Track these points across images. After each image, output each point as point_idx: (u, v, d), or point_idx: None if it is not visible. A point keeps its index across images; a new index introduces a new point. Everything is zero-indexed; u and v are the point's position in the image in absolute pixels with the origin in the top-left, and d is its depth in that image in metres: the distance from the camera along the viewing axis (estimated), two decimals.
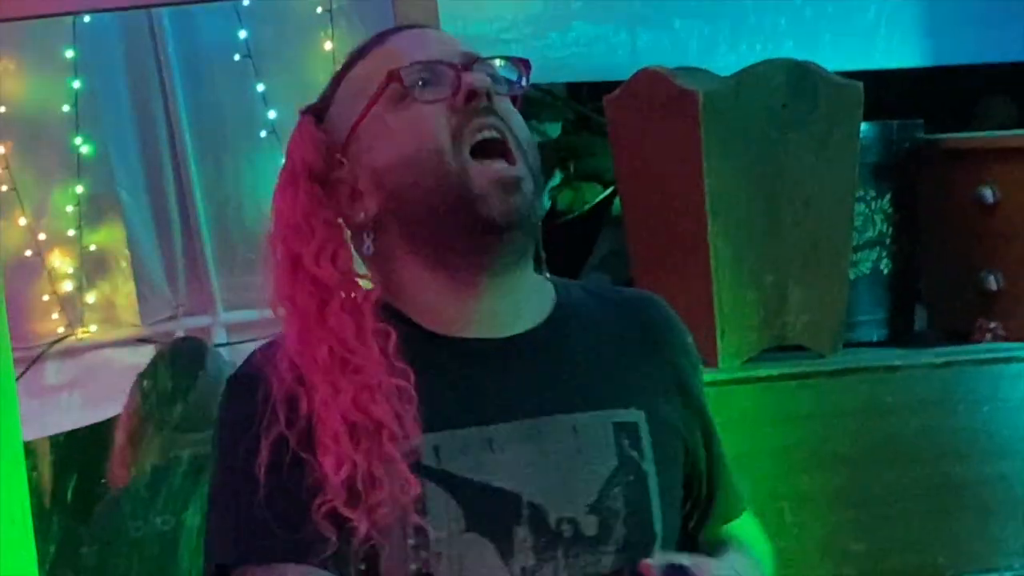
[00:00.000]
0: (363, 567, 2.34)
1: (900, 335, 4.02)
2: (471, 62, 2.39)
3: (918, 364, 3.78)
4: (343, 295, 2.43)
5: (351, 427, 2.34)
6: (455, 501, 2.38)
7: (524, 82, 2.49)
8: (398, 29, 2.57)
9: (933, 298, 4.15)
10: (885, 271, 4.00)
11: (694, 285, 3.67)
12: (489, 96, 2.34)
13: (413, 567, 2.32)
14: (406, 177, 2.39)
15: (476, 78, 2.35)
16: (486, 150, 2.34)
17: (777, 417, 3.64)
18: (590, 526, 2.42)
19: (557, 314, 2.57)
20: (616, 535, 2.43)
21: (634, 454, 2.49)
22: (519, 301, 2.50)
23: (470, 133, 2.33)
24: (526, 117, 4.44)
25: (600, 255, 4.61)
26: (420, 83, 2.37)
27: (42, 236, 4.81)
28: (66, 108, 4.61)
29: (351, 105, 2.46)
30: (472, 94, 2.33)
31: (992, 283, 3.89)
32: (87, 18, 4.39)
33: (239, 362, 3.89)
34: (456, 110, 2.34)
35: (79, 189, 4.81)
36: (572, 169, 4.82)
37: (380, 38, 2.52)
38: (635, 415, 2.51)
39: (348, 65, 2.53)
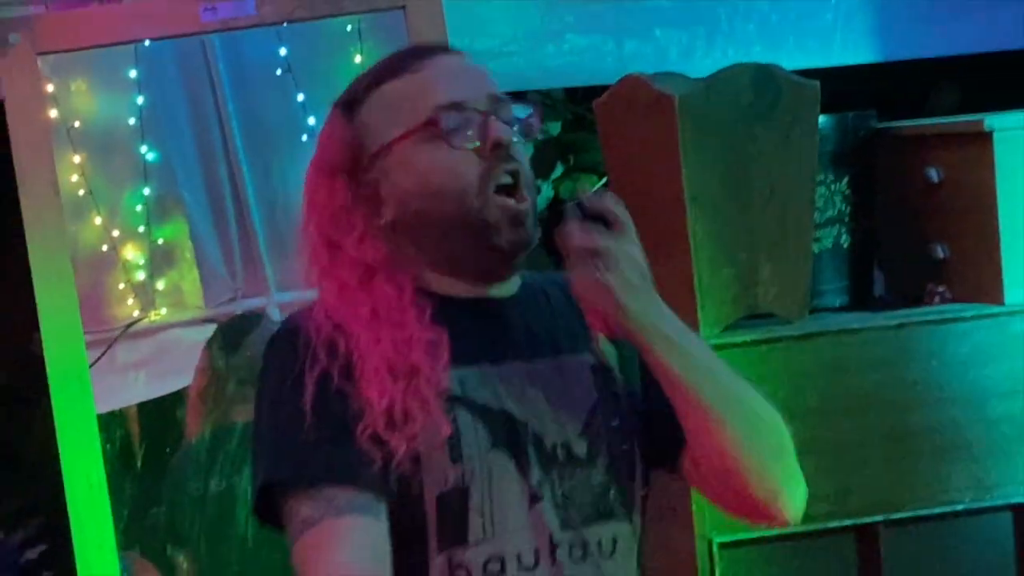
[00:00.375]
0: (398, 490, 2.37)
1: (859, 301, 4.03)
2: (495, 105, 2.42)
3: (875, 326, 3.84)
4: (386, 272, 2.45)
5: (391, 368, 2.38)
6: (481, 423, 2.43)
7: (535, 120, 2.52)
8: (431, 52, 2.53)
9: (888, 267, 4.16)
10: (845, 245, 4.01)
11: (676, 264, 3.69)
12: (509, 145, 2.38)
13: (451, 480, 2.38)
14: (430, 205, 2.43)
15: (501, 129, 2.38)
16: (500, 189, 2.39)
17: (751, 377, 3.62)
18: (580, 449, 2.47)
19: (525, 286, 2.60)
20: (602, 455, 2.47)
21: (608, 389, 2.54)
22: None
23: (493, 178, 2.37)
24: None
25: None
26: (453, 129, 2.39)
27: (115, 233, 4.80)
28: (132, 121, 4.59)
29: (383, 119, 2.48)
30: (497, 145, 2.37)
31: (939, 252, 3.92)
32: (147, 43, 4.42)
33: None
34: (483, 156, 2.38)
35: (146, 191, 4.79)
36: (571, 162, 4.83)
37: (414, 58, 2.50)
38: (605, 357, 2.56)
39: (381, 76, 2.51)
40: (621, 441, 2.49)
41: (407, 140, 2.43)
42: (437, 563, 2.41)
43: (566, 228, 2.36)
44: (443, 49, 2.54)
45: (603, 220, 2.36)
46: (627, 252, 2.35)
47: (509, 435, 2.44)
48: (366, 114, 2.49)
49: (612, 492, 2.49)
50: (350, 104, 2.52)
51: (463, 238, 2.43)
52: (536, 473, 2.44)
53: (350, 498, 2.33)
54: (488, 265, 2.45)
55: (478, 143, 2.39)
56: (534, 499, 2.44)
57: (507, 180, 2.38)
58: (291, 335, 2.46)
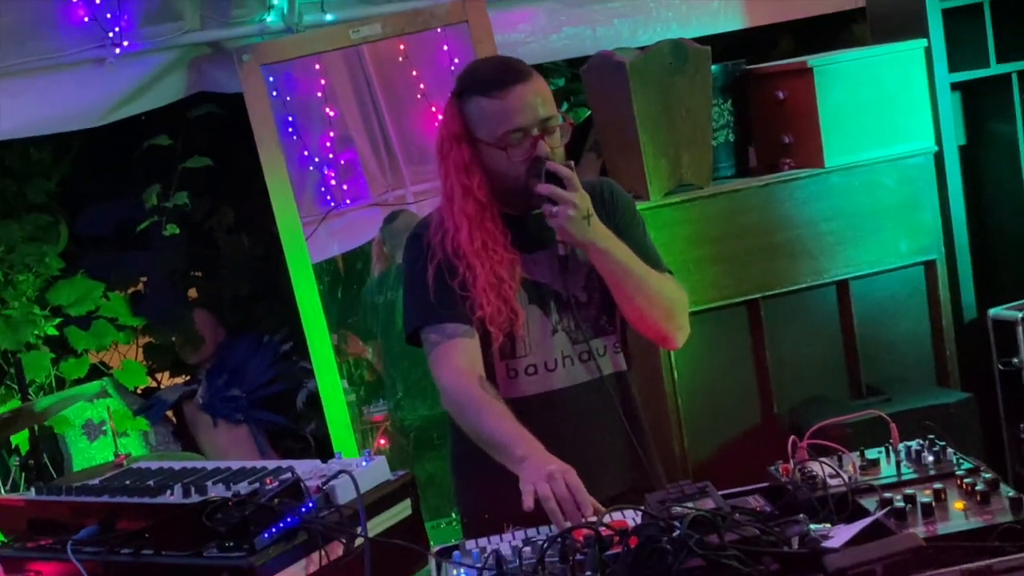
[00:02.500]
0: (481, 327, 2.48)
1: (741, 171, 3.98)
2: (543, 124, 2.40)
3: (751, 186, 3.80)
4: (491, 209, 2.47)
5: (489, 279, 2.44)
6: (523, 290, 2.50)
7: (565, 125, 2.47)
8: (513, 80, 2.39)
9: (757, 150, 4.07)
10: (731, 140, 3.97)
11: (633, 159, 3.71)
12: (545, 156, 2.39)
13: (507, 325, 2.47)
14: (499, 181, 2.45)
15: (541, 148, 2.39)
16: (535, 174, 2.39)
17: (682, 221, 3.71)
18: (583, 296, 2.56)
19: None
20: (596, 298, 2.56)
21: None
22: None
23: (534, 174, 2.38)
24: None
25: (590, 142, 4.66)
26: (513, 147, 2.39)
27: (316, 159, 4.68)
28: (319, 94, 4.46)
29: (477, 121, 2.43)
30: (537, 158, 2.38)
31: (786, 140, 3.89)
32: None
33: (420, 212, 3.95)
34: (529, 160, 2.39)
35: (331, 134, 4.48)
36: (572, 100, 4.70)
37: (501, 85, 2.39)
38: None
39: (480, 88, 2.43)
40: (606, 288, 2.53)
41: (488, 145, 2.44)
42: (500, 366, 2.55)
43: (537, 185, 2.39)
44: (520, 79, 2.41)
45: (559, 178, 2.40)
46: (571, 197, 2.38)
47: (540, 295, 2.54)
48: (468, 110, 2.46)
49: (603, 318, 2.59)
50: (460, 95, 2.47)
51: (517, 196, 2.46)
52: (555, 315, 2.53)
53: (456, 329, 2.49)
54: (527, 207, 2.47)
55: (529, 152, 2.40)
56: (555, 331, 2.55)
57: (540, 177, 2.38)
58: (419, 237, 2.58)
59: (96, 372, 4.46)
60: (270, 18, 4.00)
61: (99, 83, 3.88)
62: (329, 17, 4.05)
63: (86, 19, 3.71)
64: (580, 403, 2.55)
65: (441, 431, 3.03)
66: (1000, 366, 3.93)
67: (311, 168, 4.63)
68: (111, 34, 3.76)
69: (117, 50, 3.80)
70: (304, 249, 4.00)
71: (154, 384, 4.80)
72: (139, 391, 4.64)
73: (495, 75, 2.43)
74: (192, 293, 4.86)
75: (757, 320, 3.82)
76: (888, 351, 3.94)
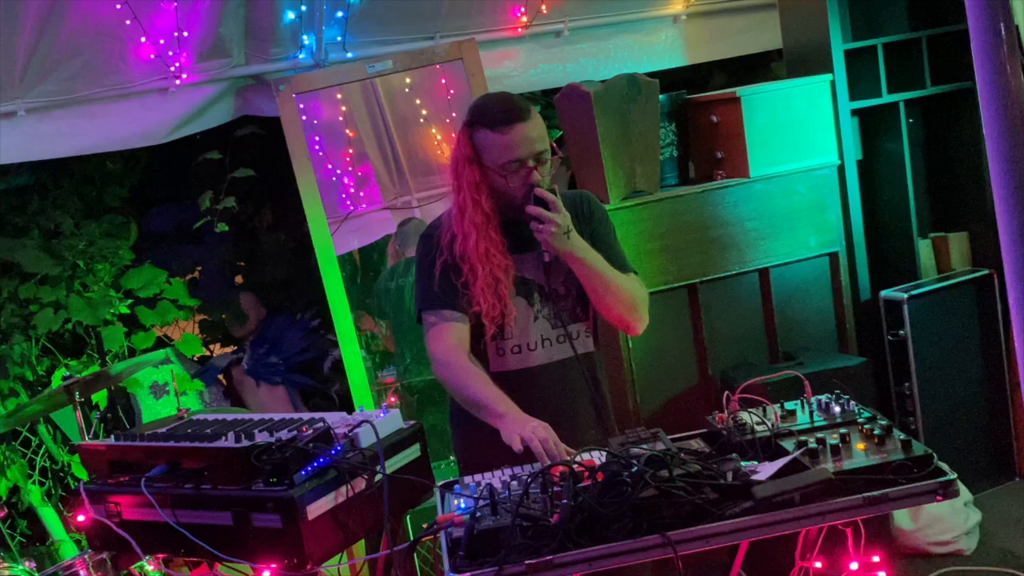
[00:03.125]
0: (474, 324, 2.47)
1: (683, 181, 3.96)
2: (537, 156, 2.37)
3: (691, 192, 3.77)
4: (495, 220, 2.44)
5: (487, 279, 2.43)
6: (512, 286, 2.49)
7: (555, 157, 2.44)
8: (514, 118, 2.35)
9: (696, 163, 4.02)
10: (675, 155, 3.95)
11: (597, 170, 3.67)
12: (537, 183, 2.38)
13: (500, 318, 2.48)
14: (501, 197, 2.43)
15: (534, 176, 2.37)
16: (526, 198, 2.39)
17: (635, 220, 3.68)
18: (562, 289, 2.54)
19: None
20: (573, 291, 2.54)
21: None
22: None
23: (527, 196, 2.38)
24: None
25: (565, 152, 4.60)
26: (512, 175, 2.37)
27: (339, 171, 4.67)
28: (340, 117, 4.40)
29: (483, 150, 2.39)
30: (530, 184, 2.37)
31: (718, 155, 3.87)
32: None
33: (425, 218, 3.85)
34: (525, 185, 2.38)
35: (350, 150, 4.46)
36: (547, 123, 4.73)
37: (505, 122, 2.35)
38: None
39: (487, 122, 2.38)
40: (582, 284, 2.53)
41: (491, 171, 2.41)
42: (491, 346, 2.53)
43: (527, 207, 2.39)
44: (522, 117, 2.37)
45: (545, 202, 2.39)
46: (555, 217, 2.37)
47: (526, 288, 2.54)
48: (477, 139, 2.42)
49: (578, 308, 2.58)
50: (471, 125, 2.43)
51: (513, 209, 2.43)
52: (538, 305, 2.55)
53: (452, 315, 2.50)
54: (522, 215, 2.41)
55: (524, 180, 2.38)
56: (536, 317, 2.54)
57: (532, 200, 2.38)
58: (430, 236, 2.56)
59: (161, 343, 4.42)
60: (302, 56, 3.96)
61: (162, 108, 3.82)
62: (350, 55, 4.01)
63: (152, 56, 3.66)
64: (555, 376, 2.53)
65: (441, 391, 3.00)
66: (889, 337, 3.98)
67: (334, 179, 4.57)
68: (172, 68, 3.72)
69: (177, 81, 3.76)
70: (330, 243, 3.96)
71: (208, 353, 4.76)
72: (196, 359, 4.60)
73: (501, 113, 2.38)
74: (239, 279, 4.80)
75: (695, 300, 3.82)
76: (800, 325, 3.94)
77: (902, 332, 3.92)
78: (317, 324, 4.58)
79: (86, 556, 2.74)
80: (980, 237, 4.21)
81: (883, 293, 4.00)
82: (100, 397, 4.08)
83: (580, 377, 2.52)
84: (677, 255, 3.77)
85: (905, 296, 3.92)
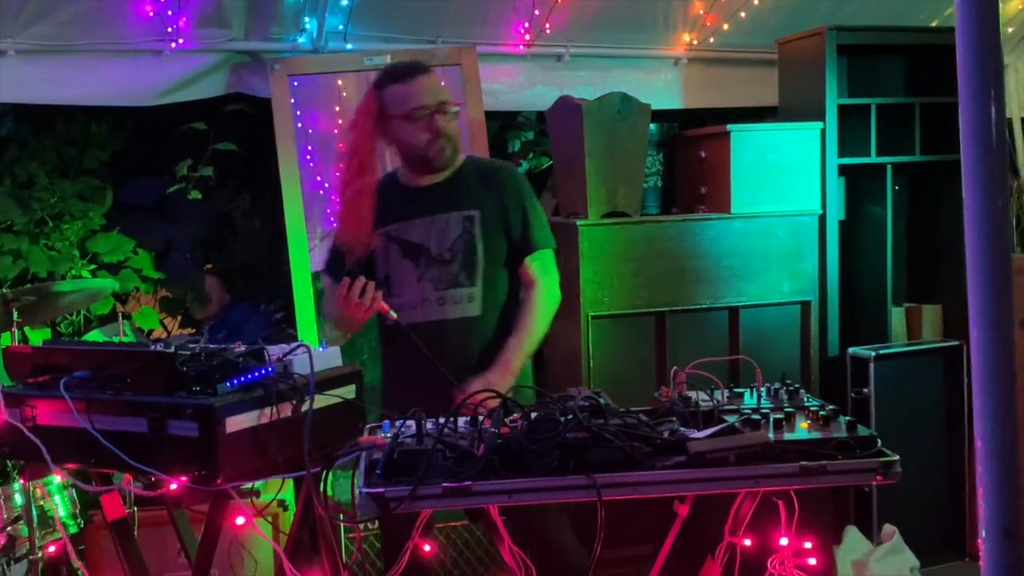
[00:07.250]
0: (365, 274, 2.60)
1: (665, 211, 3.96)
2: (441, 105, 2.65)
3: (672, 221, 3.78)
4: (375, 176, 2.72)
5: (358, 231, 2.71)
6: (397, 247, 2.70)
7: (457, 109, 2.72)
8: (418, 72, 2.68)
9: (679, 196, 4.01)
10: (660, 185, 3.97)
11: (579, 186, 3.65)
12: (443, 128, 2.64)
13: (384, 276, 2.70)
14: (407, 149, 2.70)
15: (440, 121, 2.64)
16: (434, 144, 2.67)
17: (612, 239, 3.65)
18: (447, 255, 2.70)
19: (458, 171, 2.76)
20: (459, 259, 2.69)
21: (470, 228, 2.70)
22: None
23: (433, 141, 2.66)
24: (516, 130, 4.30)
25: (549, 184, 4.57)
26: (419, 120, 2.63)
27: (319, 177, 4.72)
28: (336, 109, 4.49)
29: (391, 102, 2.65)
30: (438, 130, 2.65)
31: (702, 190, 3.88)
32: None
33: None
34: (431, 132, 2.65)
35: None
36: (537, 150, 4.59)
37: (409, 75, 2.66)
38: (474, 212, 2.71)
39: (394, 78, 2.67)
40: (472, 252, 2.67)
41: (399, 119, 2.67)
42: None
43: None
44: (424, 70, 2.70)
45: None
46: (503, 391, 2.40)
47: (412, 252, 2.71)
48: (384, 95, 2.70)
49: (462, 275, 2.70)
50: (378, 86, 2.72)
51: (419, 163, 2.70)
52: (423, 267, 2.71)
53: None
54: (426, 171, 2.69)
55: (431, 123, 2.64)
56: (420, 279, 2.71)
57: (439, 143, 2.66)
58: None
59: (117, 316, 4.35)
60: (301, 39, 3.97)
61: (154, 70, 3.82)
62: (349, 46, 4.03)
63: (151, 14, 3.66)
64: (434, 334, 2.65)
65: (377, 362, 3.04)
66: (852, 394, 3.92)
67: (322, 192, 4.57)
68: (170, 30, 3.72)
69: (173, 44, 3.76)
70: (303, 228, 3.88)
71: (164, 333, 4.69)
72: (149, 334, 4.52)
73: (405, 68, 2.71)
74: (208, 266, 4.77)
75: (662, 329, 3.78)
76: (765, 368, 3.59)
77: (866, 391, 3.86)
78: (279, 317, 4.50)
79: None
80: (954, 310, 4.19)
81: (851, 349, 3.96)
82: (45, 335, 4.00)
83: (459, 339, 2.67)
84: (649, 281, 3.74)
85: (872, 354, 3.87)
